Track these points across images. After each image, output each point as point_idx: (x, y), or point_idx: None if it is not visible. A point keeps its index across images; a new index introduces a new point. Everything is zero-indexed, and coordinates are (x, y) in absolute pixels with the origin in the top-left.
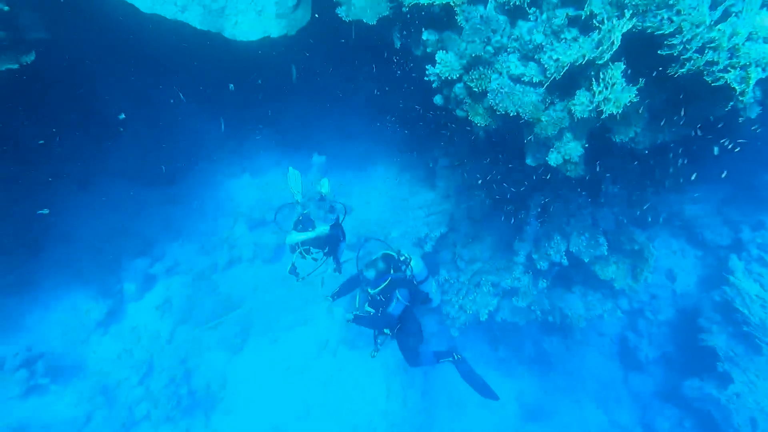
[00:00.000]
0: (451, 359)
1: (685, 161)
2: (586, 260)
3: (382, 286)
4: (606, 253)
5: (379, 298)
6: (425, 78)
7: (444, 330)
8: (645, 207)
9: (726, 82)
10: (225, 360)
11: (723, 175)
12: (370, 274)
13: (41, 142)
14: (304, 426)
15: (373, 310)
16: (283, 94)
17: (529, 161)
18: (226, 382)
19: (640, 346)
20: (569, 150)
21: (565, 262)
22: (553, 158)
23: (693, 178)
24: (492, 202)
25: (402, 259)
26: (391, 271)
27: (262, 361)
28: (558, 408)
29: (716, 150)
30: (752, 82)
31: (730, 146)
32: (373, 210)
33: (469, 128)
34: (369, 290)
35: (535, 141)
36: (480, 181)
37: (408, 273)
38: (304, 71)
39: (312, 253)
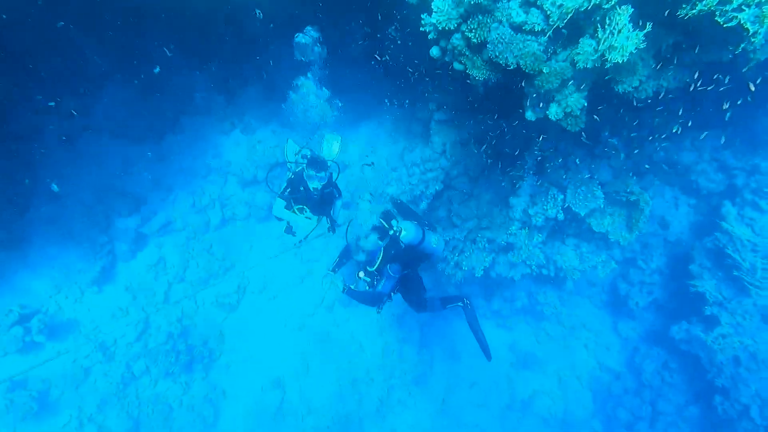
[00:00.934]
0: (460, 304)
1: (686, 108)
2: (583, 213)
3: (376, 266)
4: (602, 206)
5: (372, 272)
6: (421, 28)
7: (439, 287)
8: (642, 157)
9: (739, 22)
10: (222, 317)
11: (727, 117)
12: (360, 257)
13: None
14: (303, 380)
15: (369, 279)
16: (272, 48)
17: (528, 115)
18: (224, 338)
19: (630, 295)
20: (571, 102)
21: (561, 216)
22: (554, 112)
23: (689, 124)
24: (488, 158)
25: (392, 233)
26: (381, 245)
27: (259, 318)
28: (549, 355)
29: (726, 104)
30: (767, 21)
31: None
32: (368, 167)
33: (467, 81)
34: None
35: (536, 94)
36: (476, 137)
37: (401, 245)
38: (292, 21)
39: (306, 212)
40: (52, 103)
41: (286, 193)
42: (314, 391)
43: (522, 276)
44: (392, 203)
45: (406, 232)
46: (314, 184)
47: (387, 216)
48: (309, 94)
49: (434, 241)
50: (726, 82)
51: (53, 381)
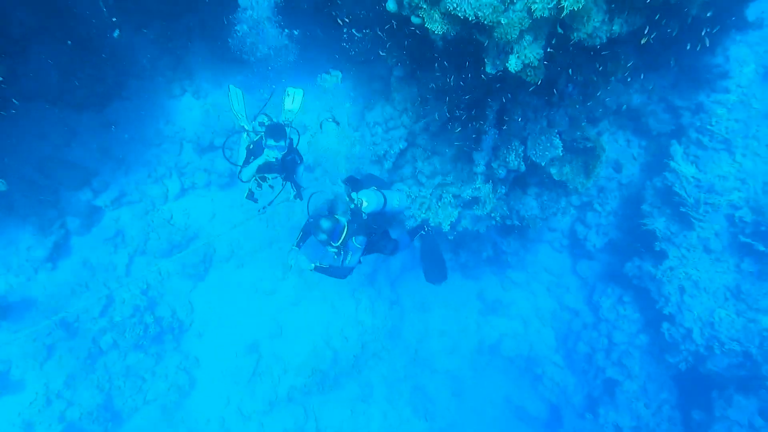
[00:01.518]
0: (422, 232)
1: (635, 52)
2: (543, 163)
3: (339, 242)
4: (561, 154)
5: (336, 248)
6: None
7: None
8: (595, 103)
9: None
10: (189, 288)
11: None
12: (322, 237)
13: None
14: (278, 342)
15: (335, 251)
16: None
17: (488, 68)
18: (193, 308)
19: (588, 237)
20: (529, 54)
21: (522, 167)
22: (513, 63)
23: (638, 67)
24: (449, 114)
25: (353, 207)
26: (344, 222)
27: (229, 286)
28: (514, 300)
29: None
30: None
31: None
32: (330, 128)
33: (426, 36)
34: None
35: (495, 46)
36: (437, 92)
37: (364, 216)
38: None
39: (268, 180)
40: None
41: (251, 159)
42: (289, 352)
43: (487, 228)
44: (347, 175)
45: (368, 202)
46: (274, 154)
47: (345, 188)
48: (263, 20)
49: (397, 201)
50: (671, 25)
51: (13, 361)
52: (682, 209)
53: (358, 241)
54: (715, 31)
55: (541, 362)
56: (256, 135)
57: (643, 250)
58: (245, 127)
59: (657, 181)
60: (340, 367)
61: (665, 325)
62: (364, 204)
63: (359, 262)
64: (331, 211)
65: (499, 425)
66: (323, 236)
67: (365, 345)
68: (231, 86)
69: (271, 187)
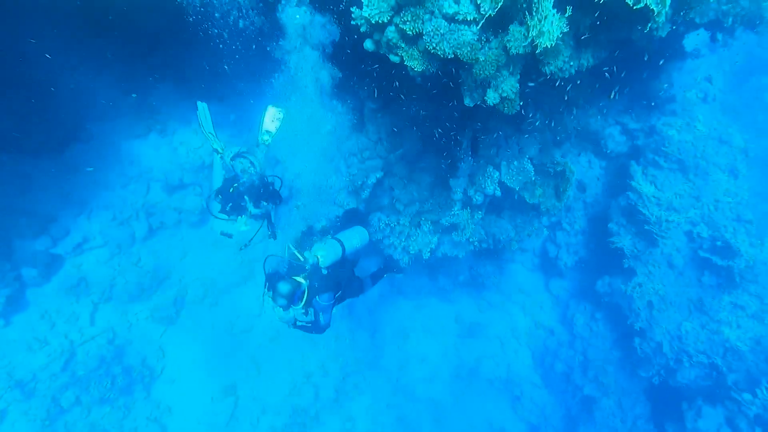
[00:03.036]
0: (387, 275)
1: (593, 80)
2: (517, 188)
3: (300, 306)
4: (533, 179)
5: (303, 312)
6: (352, 22)
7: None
8: (559, 128)
9: (646, 4)
10: (160, 332)
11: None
12: (282, 302)
13: None
14: (256, 382)
15: (302, 311)
16: (183, 40)
17: (467, 101)
18: (164, 353)
19: (559, 255)
20: (506, 87)
21: (498, 193)
22: (491, 97)
23: (590, 92)
24: (424, 143)
25: (308, 267)
26: (304, 284)
27: (202, 327)
28: (491, 321)
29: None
30: (668, 2)
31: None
32: (303, 160)
33: (395, 71)
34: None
35: (473, 81)
36: (411, 123)
37: (324, 272)
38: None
39: (244, 219)
40: None
41: (228, 207)
42: (268, 392)
43: (466, 253)
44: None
45: (323, 256)
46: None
47: (297, 245)
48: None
49: (357, 240)
50: (624, 56)
51: None
52: (646, 227)
53: (323, 299)
54: (660, 61)
55: (520, 383)
56: (236, 182)
57: (612, 267)
58: (217, 149)
59: (621, 200)
60: (322, 402)
61: (637, 340)
62: (320, 259)
63: (329, 322)
64: (289, 272)
65: None
66: (283, 301)
67: (347, 377)
68: (198, 102)
69: (246, 224)
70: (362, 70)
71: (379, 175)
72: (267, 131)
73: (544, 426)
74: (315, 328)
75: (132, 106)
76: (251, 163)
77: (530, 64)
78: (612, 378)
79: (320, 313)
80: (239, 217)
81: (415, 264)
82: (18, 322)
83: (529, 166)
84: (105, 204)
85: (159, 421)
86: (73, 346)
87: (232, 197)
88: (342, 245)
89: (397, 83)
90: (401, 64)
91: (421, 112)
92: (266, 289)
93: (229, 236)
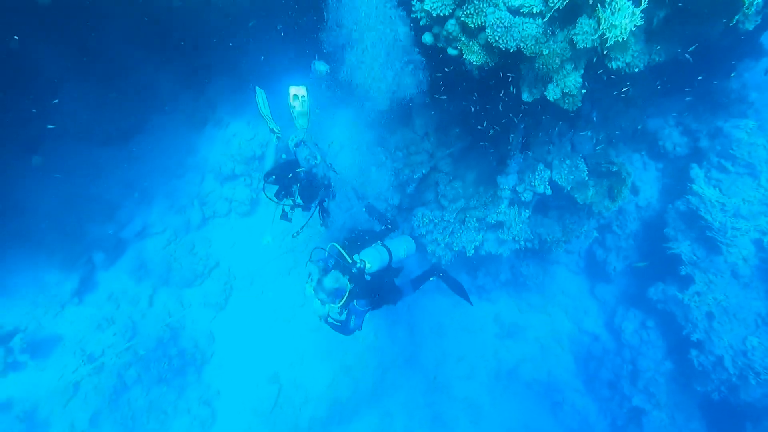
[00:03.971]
0: (432, 279)
1: (654, 77)
2: (568, 187)
3: (338, 305)
4: (585, 178)
5: (338, 311)
6: (412, 15)
7: (428, 265)
8: (614, 127)
9: None
10: (210, 317)
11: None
12: (322, 296)
13: None
14: (298, 371)
15: (336, 309)
16: (238, 35)
17: (525, 97)
18: (214, 338)
19: (608, 260)
20: (569, 83)
21: (549, 191)
22: (552, 92)
23: (654, 89)
24: (472, 139)
25: (355, 271)
26: (346, 287)
27: (249, 315)
28: (531, 323)
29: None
30: None
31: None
32: (348, 156)
33: (451, 65)
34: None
35: (533, 76)
36: (460, 118)
37: (367, 278)
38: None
39: (295, 202)
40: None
41: (281, 195)
42: (310, 381)
43: (510, 252)
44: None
45: (371, 263)
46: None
47: (344, 244)
48: None
49: (404, 251)
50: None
51: (40, 400)
52: (708, 233)
53: (360, 304)
54: (732, 59)
55: (561, 388)
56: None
57: (667, 274)
58: (274, 130)
59: (680, 204)
60: (360, 395)
61: (693, 353)
62: (367, 266)
63: (360, 326)
64: (334, 270)
65: None
66: (323, 295)
67: (385, 372)
68: (257, 87)
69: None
70: (415, 63)
71: (425, 170)
72: (298, 113)
73: None
74: (343, 329)
75: (190, 99)
76: (312, 153)
77: (595, 59)
78: (664, 390)
79: (353, 316)
80: (287, 202)
81: (456, 261)
82: (89, 301)
83: (582, 165)
84: (164, 192)
85: (209, 403)
86: (135, 327)
87: (287, 182)
88: (390, 254)
89: (450, 77)
90: (457, 58)
91: (472, 107)
92: (309, 279)
93: (289, 221)
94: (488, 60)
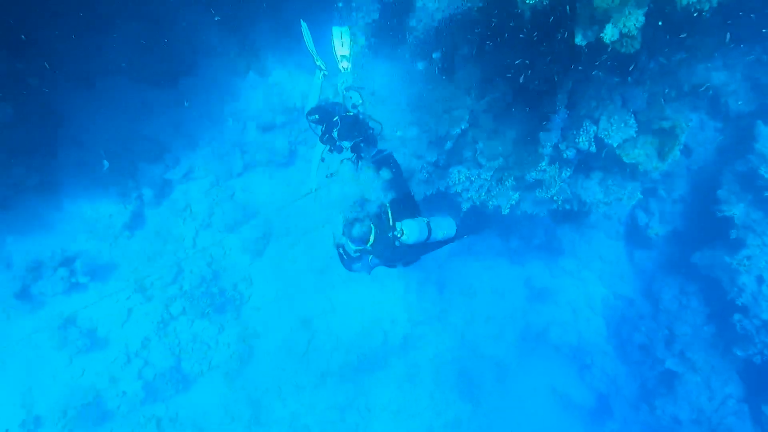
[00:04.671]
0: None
1: (723, 23)
2: (615, 144)
3: (354, 248)
4: (634, 135)
5: (353, 251)
6: None
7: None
8: (672, 81)
9: None
10: (248, 262)
11: None
12: (346, 233)
13: None
14: (330, 319)
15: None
16: None
17: (578, 40)
18: (251, 282)
19: (650, 224)
20: (629, 22)
21: (593, 149)
22: (609, 33)
23: (727, 39)
24: (515, 94)
25: (390, 235)
26: (371, 239)
27: (283, 263)
28: (563, 287)
29: None
30: None
31: None
32: (385, 107)
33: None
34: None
35: (590, 15)
36: (503, 72)
37: (397, 244)
38: None
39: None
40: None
41: (324, 138)
42: (341, 330)
43: (547, 212)
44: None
45: (408, 234)
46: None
47: (395, 207)
48: None
49: (442, 234)
50: None
51: (100, 320)
52: (767, 194)
53: (373, 261)
54: None
55: (590, 351)
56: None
57: (716, 239)
58: (321, 66)
59: (738, 165)
60: (389, 346)
61: (737, 317)
62: (404, 235)
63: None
64: (372, 222)
65: (543, 412)
66: (344, 239)
67: (414, 327)
68: (302, 21)
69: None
70: (460, 10)
71: (464, 126)
72: (342, 56)
73: (615, 396)
74: (347, 264)
75: (235, 45)
76: (362, 99)
77: None
78: (701, 354)
79: (359, 263)
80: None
81: (488, 223)
82: (139, 235)
83: (632, 121)
84: (208, 138)
85: (247, 342)
86: (180, 263)
87: (331, 125)
88: (429, 233)
89: (497, 26)
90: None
91: (516, 60)
92: (345, 219)
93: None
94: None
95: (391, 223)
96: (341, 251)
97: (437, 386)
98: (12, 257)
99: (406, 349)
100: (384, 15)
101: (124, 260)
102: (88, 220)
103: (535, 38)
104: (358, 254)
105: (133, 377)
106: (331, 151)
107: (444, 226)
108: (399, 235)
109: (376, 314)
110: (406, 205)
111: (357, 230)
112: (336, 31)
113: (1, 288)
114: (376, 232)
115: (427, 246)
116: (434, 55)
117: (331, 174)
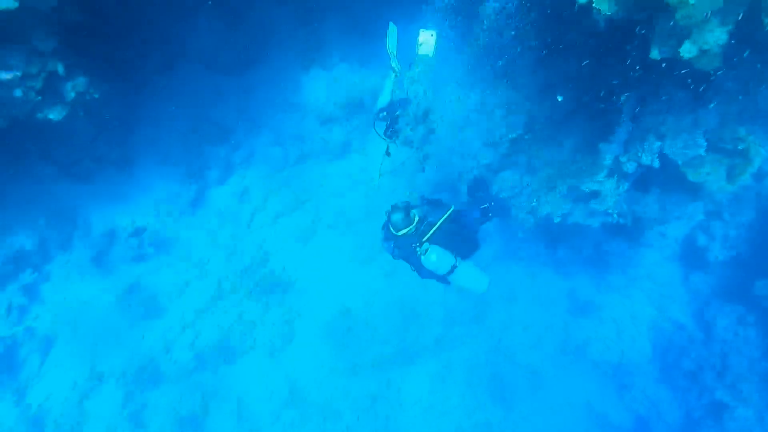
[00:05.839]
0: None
1: None
2: (680, 162)
3: (383, 229)
4: (703, 154)
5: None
6: None
7: (509, 232)
8: (749, 102)
9: None
10: (297, 248)
11: None
12: (384, 224)
13: None
14: (371, 309)
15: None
16: None
17: (653, 54)
18: (299, 267)
19: (710, 248)
20: (712, 39)
21: (656, 164)
22: (687, 49)
23: None
24: (577, 103)
25: (416, 246)
26: (400, 232)
27: (330, 251)
28: (608, 304)
29: None
30: None
31: None
32: (446, 111)
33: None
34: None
35: (670, 30)
36: (566, 80)
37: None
38: None
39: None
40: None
41: (388, 132)
42: (379, 322)
43: (600, 225)
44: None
45: (431, 260)
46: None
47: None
48: None
49: (464, 282)
50: None
51: (160, 290)
52: None
53: (393, 250)
54: None
55: (632, 372)
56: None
57: None
58: (395, 68)
59: None
60: (424, 343)
61: None
62: (423, 257)
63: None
64: (413, 222)
65: (577, 427)
66: (385, 224)
67: (450, 326)
68: (390, 23)
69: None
70: (527, 17)
71: (520, 131)
72: (423, 55)
73: (656, 421)
74: (383, 236)
75: (303, 37)
76: (425, 92)
77: (748, 15)
78: (755, 388)
79: (387, 243)
80: (394, 139)
81: (537, 230)
82: (200, 214)
83: (702, 140)
84: (270, 126)
85: (290, 324)
86: (234, 243)
87: (395, 119)
88: (449, 273)
89: (567, 33)
90: (586, 6)
91: (582, 70)
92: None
93: (388, 154)
94: (619, 10)
95: (423, 238)
96: (384, 223)
97: (469, 387)
98: (91, 225)
99: (441, 347)
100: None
101: (186, 236)
102: (157, 195)
103: (605, 49)
104: (387, 234)
105: (185, 346)
106: (394, 142)
107: (473, 279)
108: (422, 254)
109: (414, 310)
110: (458, 240)
111: (396, 217)
112: (423, 33)
113: (79, 251)
114: (408, 232)
115: (440, 279)
116: (498, 61)
117: (386, 153)
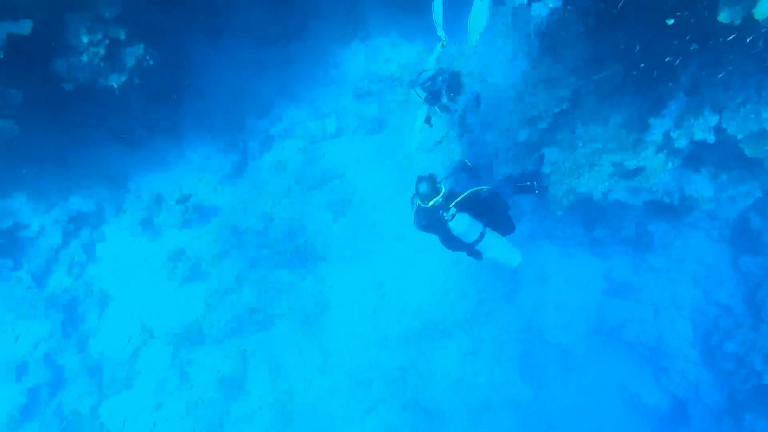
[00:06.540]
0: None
1: None
2: (739, 137)
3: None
4: (766, 128)
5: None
6: None
7: (545, 209)
8: None
9: None
10: (331, 221)
11: None
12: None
13: None
14: (402, 284)
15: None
16: None
17: (722, 17)
18: (331, 240)
19: (764, 230)
20: None
21: (711, 139)
22: (763, 9)
23: None
24: (625, 77)
25: (441, 211)
26: (423, 201)
27: (363, 225)
28: (647, 285)
29: None
30: None
31: None
32: (489, 87)
33: None
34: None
35: None
36: (616, 52)
37: (441, 222)
38: None
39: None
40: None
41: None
42: (411, 296)
43: (643, 203)
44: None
45: (454, 224)
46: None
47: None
48: None
49: (497, 253)
50: None
51: (201, 256)
52: None
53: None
54: None
55: (670, 354)
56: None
57: None
58: (441, 38)
59: None
60: (455, 319)
61: None
62: (450, 223)
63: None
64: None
65: (610, 409)
66: (413, 196)
67: (481, 303)
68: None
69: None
70: None
71: (564, 106)
72: (475, 31)
73: (695, 403)
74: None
75: (344, 10)
76: (470, 64)
77: None
78: None
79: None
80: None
81: (575, 207)
82: (239, 185)
83: (766, 114)
84: (309, 99)
85: (323, 294)
86: (269, 215)
87: (438, 87)
88: (478, 241)
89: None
90: None
91: (634, 39)
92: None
93: (431, 125)
94: None
95: (452, 203)
96: (412, 195)
97: (499, 363)
98: (141, 190)
99: (471, 323)
100: None
101: (226, 205)
102: (200, 164)
103: (660, 15)
104: (415, 206)
105: (225, 309)
106: (436, 110)
107: (505, 251)
108: (448, 218)
109: (445, 286)
110: (489, 214)
111: (423, 187)
112: (478, 5)
113: (131, 214)
114: (436, 202)
115: (468, 248)
116: (542, 31)
117: (440, 141)
